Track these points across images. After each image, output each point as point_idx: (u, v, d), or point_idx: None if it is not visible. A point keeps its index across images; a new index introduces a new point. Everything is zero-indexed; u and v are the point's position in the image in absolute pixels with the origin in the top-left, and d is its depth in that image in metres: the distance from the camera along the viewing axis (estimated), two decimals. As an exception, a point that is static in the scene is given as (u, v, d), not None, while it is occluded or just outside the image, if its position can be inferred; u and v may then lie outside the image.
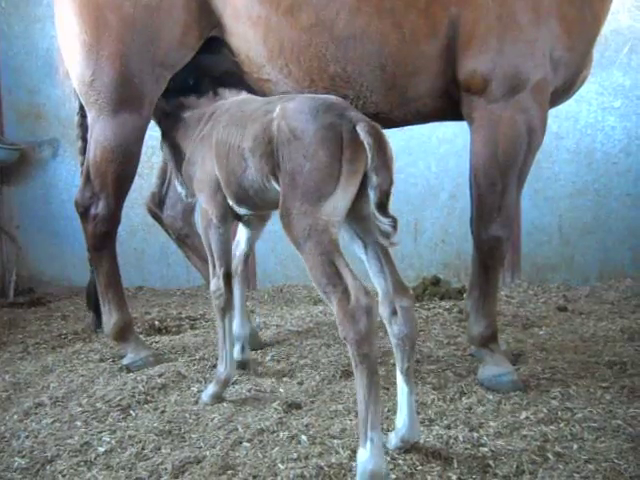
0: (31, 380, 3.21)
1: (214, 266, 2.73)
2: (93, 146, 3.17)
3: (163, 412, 2.69)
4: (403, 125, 3.15)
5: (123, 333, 3.34)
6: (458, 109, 2.93)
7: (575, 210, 5.12)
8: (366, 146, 2.03)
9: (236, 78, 3.09)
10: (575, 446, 2.25)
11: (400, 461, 2.17)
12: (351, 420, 2.49)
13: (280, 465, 2.17)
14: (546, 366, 3.06)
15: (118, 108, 3.09)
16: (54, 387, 3.07)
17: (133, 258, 5.57)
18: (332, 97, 2.32)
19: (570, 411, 2.54)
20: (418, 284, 4.95)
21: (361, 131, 2.04)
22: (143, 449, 2.37)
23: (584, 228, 5.12)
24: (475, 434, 2.35)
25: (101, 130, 3.13)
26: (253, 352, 3.39)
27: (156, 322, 4.18)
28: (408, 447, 2.23)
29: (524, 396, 2.71)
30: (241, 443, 2.37)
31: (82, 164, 3.39)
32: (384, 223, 2.02)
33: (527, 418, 2.49)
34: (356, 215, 2.19)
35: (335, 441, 2.31)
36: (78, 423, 2.64)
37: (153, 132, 3.21)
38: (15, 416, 2.75)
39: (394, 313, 2.23)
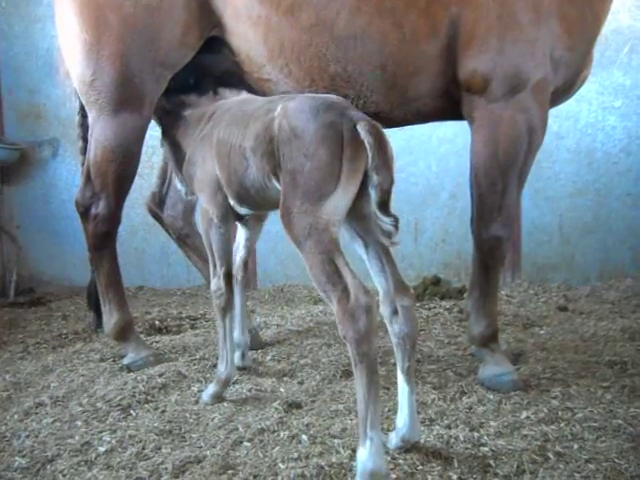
0: (31, 380, 3.21)
1: (215, 266, 2.73)
2: (94, 146, 3.17)
3: (163, 412, 2.69)
4: (403, 125, 3.15)
5: (124, 333, 3.34)
6: (458, 109, 2.93)
7: (575, 210, 5.12)
8: (367, 145, 2.02)
9: (236, 78, 3.09)
10: (576, 446, 2.25)
11: (401, 461, 2.16)
12: (352, 420, 2.49)
13: (281, 465, 2.17)
14: (546, 366, 3.05)
15: (118, 108, 3.09)
16: (54, 387, 3.06)
17: (133, 258, 5.57)
18: (333, 96, 2.32)
19: (571, 411, 2.54)
20: (418, 284, 4.95)
21: (362, 130, 2.04)
22: (143, 449, 2.37)
23: (584, 228, 5.12)
24: (476, 434, 2.35)
25: (101, 130, 3.13)
26: (253, 352, 3.39)
27: (156, 322, 4.18)
28: (409, 447, 2.22)
29: (524, 396, 2.70)
30: (242, 443, 2.37)
31: (83, 164, 3.40)
32: (386, 222, 2.02)
33: (528, 418, 2.49)
34: (357, 214, 2.18)
35: (336, 441, 2.31)
36: (78, 423, 2.63)
37: (153, 132, 3.21)
38: (15, 416, 2.75)
39: (395, 312, 2.23)
